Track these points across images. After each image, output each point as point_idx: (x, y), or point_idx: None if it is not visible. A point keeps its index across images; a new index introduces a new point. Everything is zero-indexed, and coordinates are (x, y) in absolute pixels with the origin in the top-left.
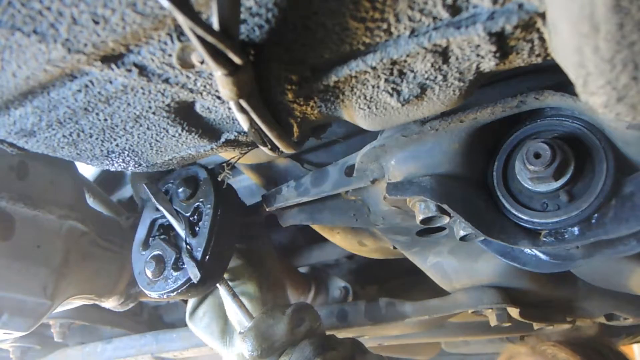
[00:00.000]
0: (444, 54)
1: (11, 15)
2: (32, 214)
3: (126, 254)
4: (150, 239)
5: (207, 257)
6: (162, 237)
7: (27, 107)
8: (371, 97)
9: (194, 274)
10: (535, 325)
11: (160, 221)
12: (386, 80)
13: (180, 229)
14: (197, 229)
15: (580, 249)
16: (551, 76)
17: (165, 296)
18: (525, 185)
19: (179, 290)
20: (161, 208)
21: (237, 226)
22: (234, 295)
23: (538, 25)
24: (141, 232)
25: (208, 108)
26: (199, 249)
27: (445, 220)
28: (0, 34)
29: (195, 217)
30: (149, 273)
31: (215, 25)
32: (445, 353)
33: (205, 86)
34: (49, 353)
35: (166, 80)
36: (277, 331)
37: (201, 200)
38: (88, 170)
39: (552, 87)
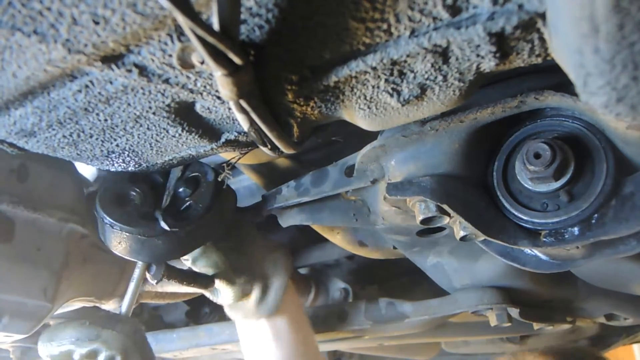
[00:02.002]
0: (444, 54)
1: (11, 16)
2: (33, 217)
3: None
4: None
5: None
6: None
7: (28, 108)
8: (371, 98)
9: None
10: (535, 325)
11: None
12: (386, 80)
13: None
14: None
15: (580, 249)
16: (551, 76)
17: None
18: (525, 185)
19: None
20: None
21: (222, 228)
22: (138, 279)
23: (538, 25)
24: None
25: (208, 108)
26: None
27: (445, 220)
28: (0, 34)
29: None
30: None
31: (216, 26)
32: (445, 353)
33: (205, 86)
34: None
35: (166, 81)
36: (63, 335)
37: (196, 198)
38: (88, 171)
39: (552, 88)
